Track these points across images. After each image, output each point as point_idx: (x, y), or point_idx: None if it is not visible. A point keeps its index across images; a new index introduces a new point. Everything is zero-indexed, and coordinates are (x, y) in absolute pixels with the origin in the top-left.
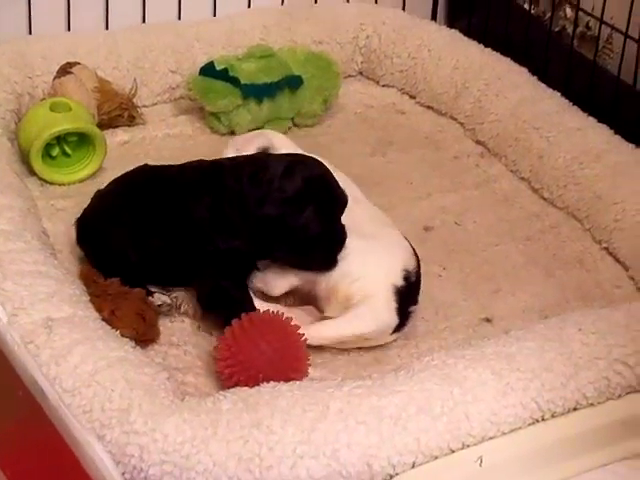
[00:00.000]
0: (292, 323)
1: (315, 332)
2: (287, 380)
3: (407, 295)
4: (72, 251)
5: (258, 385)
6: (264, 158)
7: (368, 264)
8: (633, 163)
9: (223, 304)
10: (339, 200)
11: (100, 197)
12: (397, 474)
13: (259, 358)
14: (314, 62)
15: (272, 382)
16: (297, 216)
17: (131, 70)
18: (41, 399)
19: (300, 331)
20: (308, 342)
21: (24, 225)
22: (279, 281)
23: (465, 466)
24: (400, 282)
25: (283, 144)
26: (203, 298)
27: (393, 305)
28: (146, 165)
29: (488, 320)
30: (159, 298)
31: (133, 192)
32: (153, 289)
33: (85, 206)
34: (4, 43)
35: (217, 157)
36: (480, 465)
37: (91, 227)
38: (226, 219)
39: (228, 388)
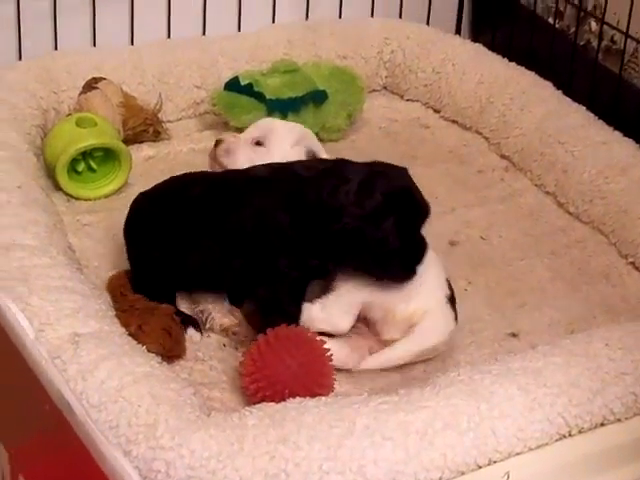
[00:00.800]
0: (317, 338)
1: (387, 358)
2: (313, 395)
3: (454, 301)
4: (98, 266)
5: (284, 400)
6: (342, 168)
7: (420, 281)
8: None
9: (278, 317)
10: (421, 212)
11: (152, 199)
12: None
13: (285, 373)
14: (338, 77)
15: (298, 398)
16: (375, 230)
17: (156, 85)
18: (68, 414)
19: (336, 352)
20: (381, 367)
21: (50, 240)
22: (344, 317)
23: None
24: (448, 291)
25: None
26: (262, 309)
27: (451, 314)
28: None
29: (514, 335)
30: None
31: (193, 198)
32: (182, 306)
33: (111, 221)
34: (30, 59)
35: None
36: None
37: (151, 226)
38: (303, 235)
39: (254, 404)
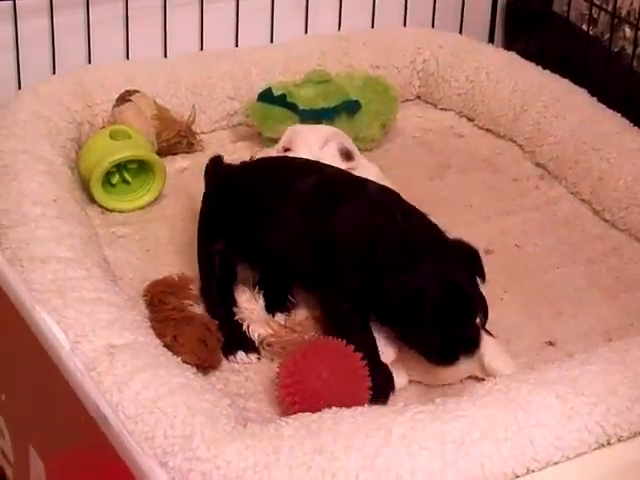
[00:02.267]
0: (354, 351)
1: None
2: (348, 407)
3: None
4: (133, 278)
5: (319, 411)
6: (418, 252)
7: None
8: None
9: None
10: (466, 309)
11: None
12: None
13: (320, 385)
14: (372, 87)
15: (334, 408)
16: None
17: (189, 97)
18: (104, 425)
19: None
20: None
21: (85, 253)
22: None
23: None
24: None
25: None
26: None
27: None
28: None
29: (551, 344)
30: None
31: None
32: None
33: (146, 233)
34: (64, 72)
35: None
36: None
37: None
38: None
39: (289, 415)
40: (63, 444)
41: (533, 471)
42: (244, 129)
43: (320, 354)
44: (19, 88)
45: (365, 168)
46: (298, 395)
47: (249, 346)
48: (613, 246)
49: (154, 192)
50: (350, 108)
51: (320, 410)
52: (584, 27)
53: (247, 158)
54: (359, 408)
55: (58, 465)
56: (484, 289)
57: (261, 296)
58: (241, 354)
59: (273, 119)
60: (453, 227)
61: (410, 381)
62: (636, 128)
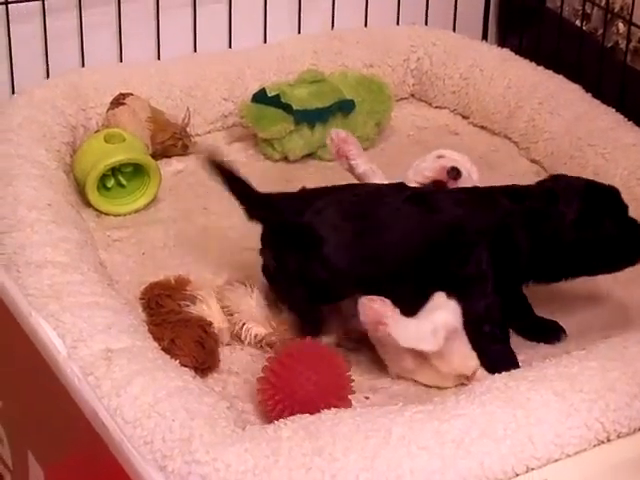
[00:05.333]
0: (333, 351)
1: None
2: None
3: None
4: (129, 281)
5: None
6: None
7: None
8: None
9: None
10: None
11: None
12: None
13: (305, 387)
14: (366, 86)
15: (333, 409)
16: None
17: (184, 99)
18: (102, 431)
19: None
20: None
21: (81, 257)
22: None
23: None
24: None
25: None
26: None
27: None
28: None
29: None
30: None
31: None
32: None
33: (141, 236)
34: (57, 76)
35: (271, 184)
36: None
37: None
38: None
39: (274, 419)
40: (62, 450)
41: (533, 469)
42: (239, 130)
43: (300, 356)
44: (13, 92)
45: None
46: (283, 398)
47: None
48: None
49: (149, 195)
50: (345, 107)
51: (303, 412)
52: (577, 23)
53: (242, 159)
54: (358, 409)
55: (57, 471)
56: None
57: (256, 291)
58: None
59: (267, 120)
60: None
61: (409, 381)
62: (631, 123)
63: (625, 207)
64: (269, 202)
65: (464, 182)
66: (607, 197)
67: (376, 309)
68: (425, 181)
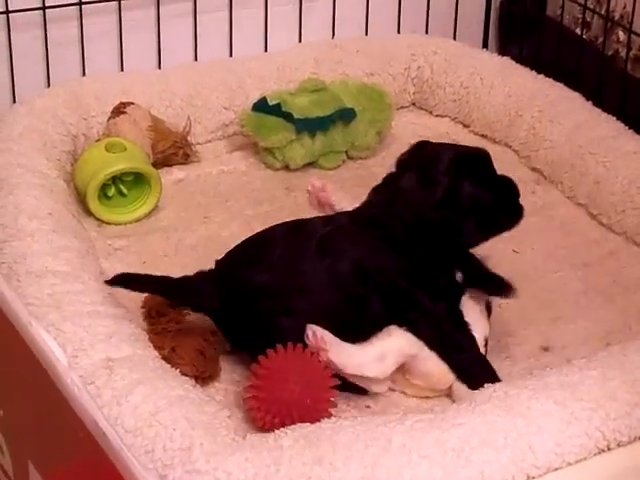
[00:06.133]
0: (313, 354)
1: None
2: (318, 412)
3: None
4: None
5: (293, 422)
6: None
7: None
8: None
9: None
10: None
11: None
12: None
13: (291, 393)
14: (366, 94)
15: (333, 418)
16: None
17: (184, 108)
18: (102, 440)
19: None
20: None
21: (82, 266)
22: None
23: None
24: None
25: None
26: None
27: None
28: None
29: (549, 349)
30: None
31: None
32: None
33: (142, 245)
34: (58, 85)
35: (272, 192)
36: None
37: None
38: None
39: (261, 428)
40: (62, 459)
41: (534, 477)
42: (240, 139)
43: (284, 363)
44: (14, 102)
45: None
46: (263, 404)
47: None
48: (610, 250)
49: (150, 204)
50: (345, 116)
51: (293, 419)
52: (578, 31)
53: (243, 168)
54: (358, 418)
55: None
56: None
57: None
58: None
59: (268, 128)
60: None
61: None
62: (631, 131)
63: (493, 170)
64: (186, 287)
65: None
66: (475, 165)
67: (317, 336)
68: None
